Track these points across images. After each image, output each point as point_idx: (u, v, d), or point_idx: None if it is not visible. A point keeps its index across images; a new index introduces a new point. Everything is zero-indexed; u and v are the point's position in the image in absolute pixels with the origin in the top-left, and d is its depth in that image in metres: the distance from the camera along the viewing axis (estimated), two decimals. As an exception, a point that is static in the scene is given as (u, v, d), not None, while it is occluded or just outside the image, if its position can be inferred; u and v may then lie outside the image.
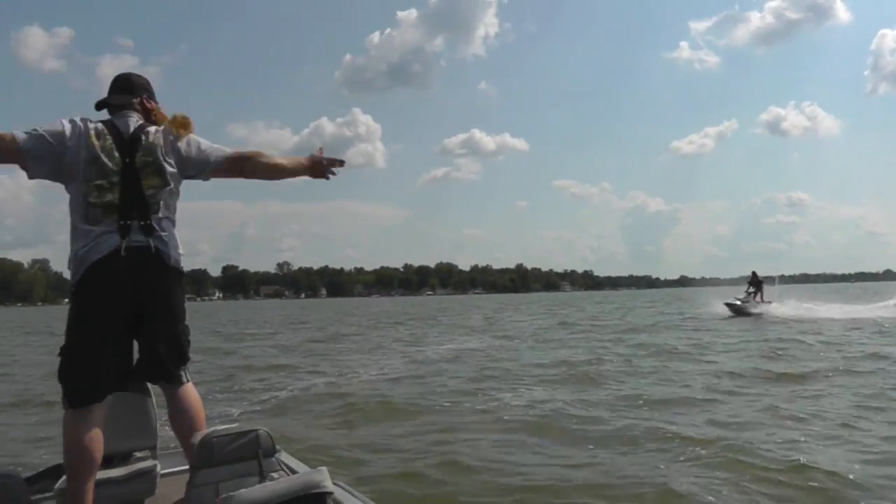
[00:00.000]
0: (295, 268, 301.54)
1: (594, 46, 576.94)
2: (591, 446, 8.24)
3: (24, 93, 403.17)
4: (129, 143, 3.55)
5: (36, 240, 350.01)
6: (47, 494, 3.74)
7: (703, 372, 14.62)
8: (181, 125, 3.76)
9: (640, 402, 11.09)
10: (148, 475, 3.86)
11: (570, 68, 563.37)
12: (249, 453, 3.11)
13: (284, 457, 3.39)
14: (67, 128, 3.46)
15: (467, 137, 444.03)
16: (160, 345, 3.61)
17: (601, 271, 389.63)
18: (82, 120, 3.54)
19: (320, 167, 4.01)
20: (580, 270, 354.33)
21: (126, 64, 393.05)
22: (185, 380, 3.74)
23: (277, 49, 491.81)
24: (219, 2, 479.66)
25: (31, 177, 3.46)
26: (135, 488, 3.83)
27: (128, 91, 3.79)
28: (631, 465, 7.41)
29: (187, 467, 3.60)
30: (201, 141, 3.78)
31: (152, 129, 3.66)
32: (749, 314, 36.17)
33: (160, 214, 3.58)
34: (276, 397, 13.10)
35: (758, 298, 38.47)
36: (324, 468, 2.92)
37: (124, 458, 4.01)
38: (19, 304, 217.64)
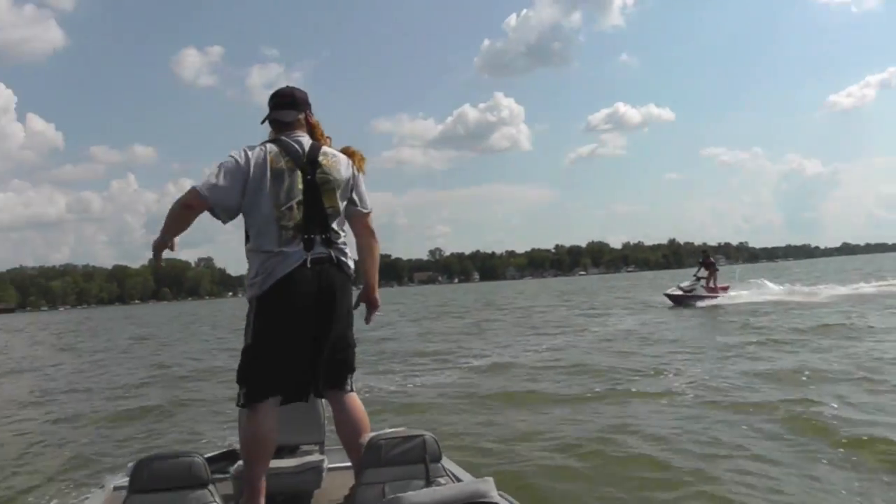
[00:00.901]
0: (447, 253, 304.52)
1: (737, 1, 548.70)
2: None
3: (184, 109, 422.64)
4: (308, 163, 3.74)
5: (200, 240, 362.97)
6: (224, 476, 4.08)
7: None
8: (361, 160, 4.03)
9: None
10: (316, 468, 4.12)
11: (714, 28, 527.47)
12: (416, 457, 3.21)
13: (448, 463, 3.45)
14: (242, 159, 3.67)
15: (611, 112, 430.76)
16: (335, 353, 3.82)
17: (757, 242, 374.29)
18: (252, 148, 3.74)
19: (372, 306, 4.12)
20: (734, 242, 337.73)
21: (273, 72, 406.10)
22: (350, 388, 3.92)
23: (417, 42, 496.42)
24: (357, 4, 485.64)
25: (224, 222, 3.74)
26: (304, 480, 4.10)
27: (293, 106, 3.91)
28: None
29: (351, 464, 3.98)
30: (363, 184, 4.00)
31: (328, 151, 3.86)
32: (692, 306, 30.27)
33: (336, 227, 3.80)
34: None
35: (711, 284, 32.28)
36: (490, 478, 2.92)
37: (292, 451, 4.33)
38: (189, 299, 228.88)
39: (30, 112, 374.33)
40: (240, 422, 3.95)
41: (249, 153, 3.69)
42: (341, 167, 3.84)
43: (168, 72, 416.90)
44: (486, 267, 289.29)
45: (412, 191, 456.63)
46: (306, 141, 3.83)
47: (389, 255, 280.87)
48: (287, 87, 4.03)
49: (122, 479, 4.33)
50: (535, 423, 9.13)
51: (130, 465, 4.51)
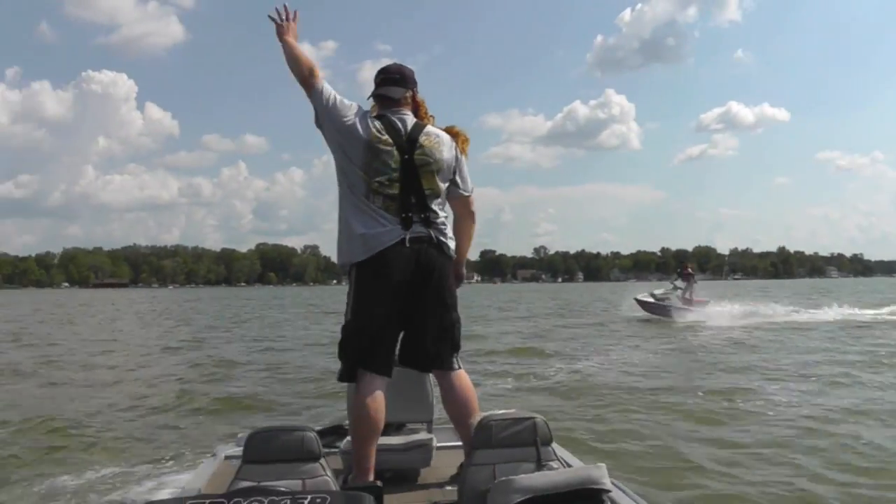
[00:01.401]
0: (551, 252, 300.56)
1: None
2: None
3: (296, 102, 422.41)
4: (408, 142, 3.74)
5: (306, 228, 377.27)
6: (333, 450, 4.12)
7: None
8: (465, 141, 4.04)
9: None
10: (425, 447, 4.13)
11: (835, 23, 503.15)
12: (527, 440, 3.16)
13: (557, 448, 3.38)
14: (355, 108, 3.78)
15: (724, 111, 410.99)
16: (435, 333, 3.81)
17: (872, 254, 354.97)
18: (366, 113, 3.81)
19: (458, 278, 4.10)
20: (848, 254, 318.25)
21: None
22: (457, 366, 3.89)
23: (529, 38, 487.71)
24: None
25: (318, 123, 3.83)
26: (412, 458, 4.13)
27: (401, 83, 3.91)
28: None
29: (459, 443, 4.07)
30: (465, 165, 4.01)
31: (431, 131, 3.84)
32: (667, 317, 28.77)
33: (436, 207, 3.79)
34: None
35: (688, 296, 30.64)
36: (602, 465, 2.93)
37: (400, 428, 4.35)
38: (294, 284, 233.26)
39: (149, 101, 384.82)
40: (348, 398, 3.98)
41: (364, 114, 3.78)
42: (444, 148, 3.83)
43: (281, 66, 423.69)
44: (591, 267, 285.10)
45: (519, 187, 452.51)
46: (410, 119, 3.83)
47: (493, 251, 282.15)
48: (395, 63, 4.05)
49: (234, 449, 4.55)
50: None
51: (241, 435, 4.82)
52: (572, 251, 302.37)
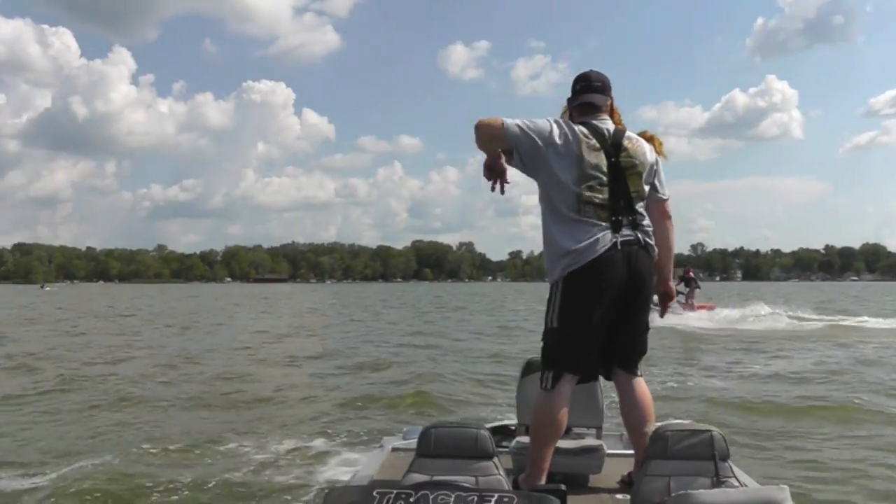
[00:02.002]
0: (709, 249, 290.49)
1: None
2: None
3: (450, 102, 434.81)
4: (613, 146, 3.75)
5: (460, 225, 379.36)
6: (503, 449, 3.98)
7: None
8: (660, 144, 4.09)
9: None
10: (596, 453, 4.08)
11: None
12: (704, 453, 3.09)
13: (733, 465, 3.24)
14: (554, 127, 3.71)
15: None
16: (634, 336, 3.87)
17: None
18: (565, 122, 3.79)
19: (668, 297, 4.20)
20: None
21: (538, 63, 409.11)
22: (640, 372, 3.94)
23: (684, 27, 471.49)
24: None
25: (508, 163, 3.81)
26: (584, 462, 4.07)
27: (603, 91, 3.94)
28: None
29: (629, 452, 4.18)
30: (662, 170, 4.04)
31: (632, 135, 3.88)
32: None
33: (641, 209, 3.81)
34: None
35: (689, 302, 29.29)
36: (785, 486, 2.75)
37: (568, 433, 4.14)
38: (449, 280, 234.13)
39: (306, 107, 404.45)
40: (537, 403, 3.81)
41: (562, 123, 3.76)
42: (646, 151, 3.88)
43: (435, 67, 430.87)
44: (749, 266, 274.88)
45: (675, 181, 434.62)
46: (610, 125, 3.86)
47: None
48: (594, 70, 4.05)
49: (400, 442, 4.80)
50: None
51: (406, 429, 5.35)
52: (730, 248, 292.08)
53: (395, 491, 2.53)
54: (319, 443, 8.21)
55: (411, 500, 2.50)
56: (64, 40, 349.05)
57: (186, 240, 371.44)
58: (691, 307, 28.69)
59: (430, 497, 2.47)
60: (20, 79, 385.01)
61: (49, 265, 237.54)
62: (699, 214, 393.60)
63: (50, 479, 6.79)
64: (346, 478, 6.03)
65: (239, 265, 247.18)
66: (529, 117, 3.74)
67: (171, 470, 7.06)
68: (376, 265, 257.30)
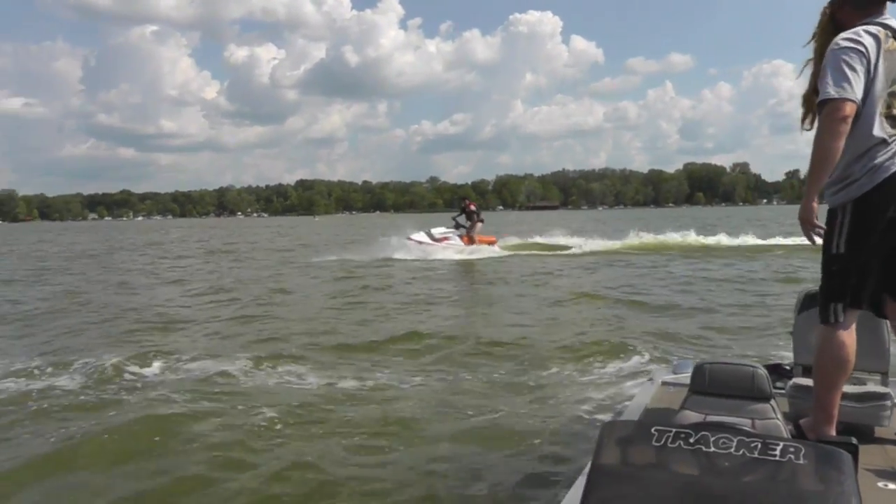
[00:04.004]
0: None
1: None
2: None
3: (722, 9, 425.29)
4: None
5: (734, 145, 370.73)
6: (778, 390, 3.85)
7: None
8: None
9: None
10: (883, 401, 3.74)
11: None
12: None
13: None
14: (868, 42, 3.29)
15: None
16: None
17: None
18: (866, 29, 3.33)
19: None
20: None
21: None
22: None
23: None
24: None
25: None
26: (868, 412, 3.75)
27: None
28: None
29: None
30: None
31: None
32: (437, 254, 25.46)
33: None
34: None
35: (471, 235, 27.50)
36: None
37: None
38: (723, 205, 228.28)
39: (574, 34, 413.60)
40: (820, 340, 3.52)
41: (872, 30, 3.31)
42: None
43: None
44: None
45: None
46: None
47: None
48: None
49: (670, 376, 4.70)
50: None
51: (676, 362, 5.27)
52: None
53: (673, 430, 2.40)
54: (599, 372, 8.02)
55: (690, 440, 2.36)
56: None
57: (458, 171, 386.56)
58: (473, 241, 27.43)
59: (711, 439, 2.33)
60: (297, 35, 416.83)
61: (329, 198, 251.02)
62: None
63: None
64: (614, 408, 6.35)
65: (510, 193, 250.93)
66: (845, 51, 3.26)
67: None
68: (647, 190, 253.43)
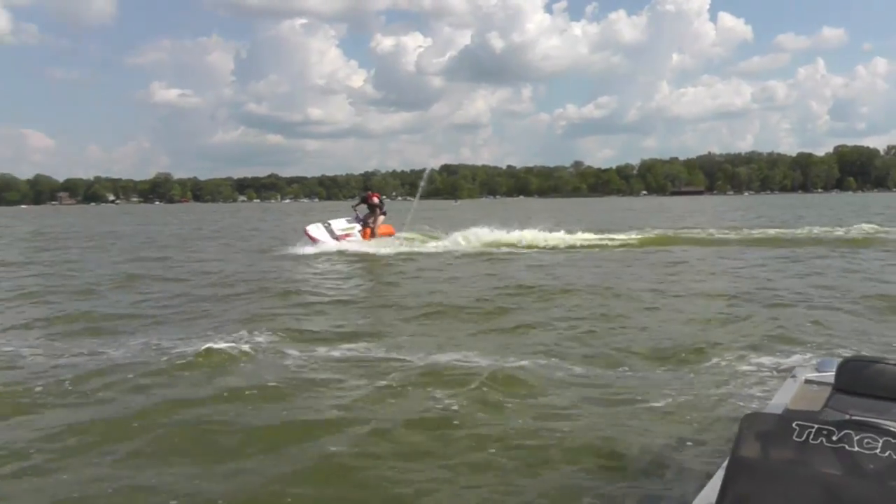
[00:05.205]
0: None
1: None
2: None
3: None
4: None
5: (889, 125, 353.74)
6: None
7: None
8: None
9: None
10: None
11: None
12: None
13: None
14: None
15: None
16: None
17: None
18: None
19: None
20: None
21: None
22: None
23: None
24: None
25: None
26: None
27: None
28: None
29: None
30: None
31: None
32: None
33: None
34: None
35: (370, 225, 26.31)
36: None
37: None
38: (875, 191, 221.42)
39: (721, 11, 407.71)
40: None
41: None
42: None
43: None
44: None
45: None
46: None
47: None
48: None
49: (814, 374, 4.32)
50: None
51: (820, 360, 4.82)
52: None
53: (815, 426, 2.39)
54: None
55: (833, 437, 2.34)
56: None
57: (602, 155, 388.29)
58: (373, 234, 26.39)
59: (855, 438, 2.29)
60: (443, 23, 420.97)
61: (473, 182, 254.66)
62: None
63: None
64: (753, 405, 6.35)
65: (654, 178, 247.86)
66: None
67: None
68: (795, 175, 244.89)
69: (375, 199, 26.60)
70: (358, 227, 25.98)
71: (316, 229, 25.16)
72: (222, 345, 9.03)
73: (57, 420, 6.57)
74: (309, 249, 23.69)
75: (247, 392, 7.28)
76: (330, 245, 24.44)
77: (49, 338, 10.38)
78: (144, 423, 6.43)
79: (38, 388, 7.50)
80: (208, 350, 8.71)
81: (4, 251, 29.14)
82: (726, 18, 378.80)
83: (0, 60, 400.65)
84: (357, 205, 27.03)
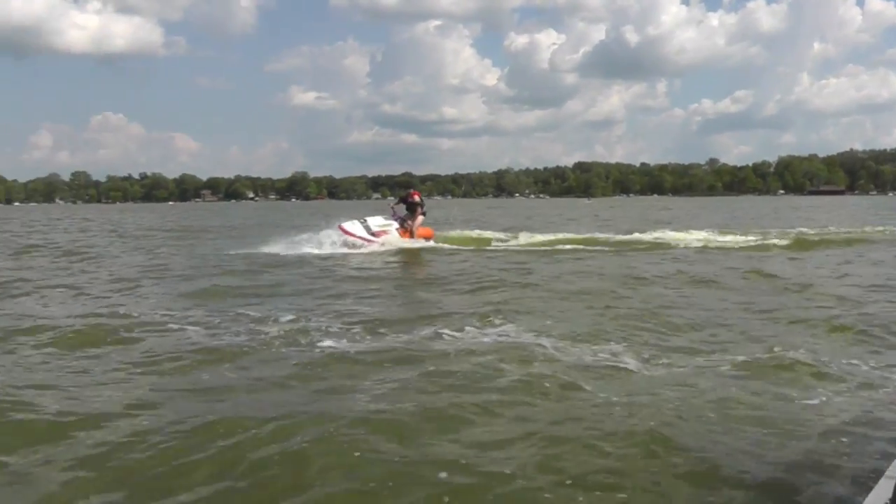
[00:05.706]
0: None
1: None
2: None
3: None
4: None
5: None
6: None
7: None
8: None
9: None
10: None
11: None
12: None
13: None
14: None
15: None
16: None
17: None
18: None
19: None
20: None
21: None
22: None
23: None
24: None
25: None
26: None
27: None
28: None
29: None
30: None
31: None
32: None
33: None
34: None
35: (410, 226, 24.94)
36: None
37: None
38: None
39: None
40: None
41: None
42: None
43: None
44: None
45: None
46: None
47: None
48: None
49: None
50: None
51: None
52: None
53: None
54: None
55: None
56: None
57: (738, 151, 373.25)
58: (412, 234, 25.01)
59: None
60: (576, 18, 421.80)
61: (606, 180, 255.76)
62: None
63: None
64: None
65: (792, 176, 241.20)
66: None
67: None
68: None
69: (416, 198, 25.59)
70: (395, 224, 24.76)
71: (352, 225, 23.78)
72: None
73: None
74: (342, 248, 22.57)
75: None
76: (369, 242, 23.43)
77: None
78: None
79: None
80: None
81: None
82: (874, 1, 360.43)
83: (154, 71, 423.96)
84: (396, 203, 25.91)
